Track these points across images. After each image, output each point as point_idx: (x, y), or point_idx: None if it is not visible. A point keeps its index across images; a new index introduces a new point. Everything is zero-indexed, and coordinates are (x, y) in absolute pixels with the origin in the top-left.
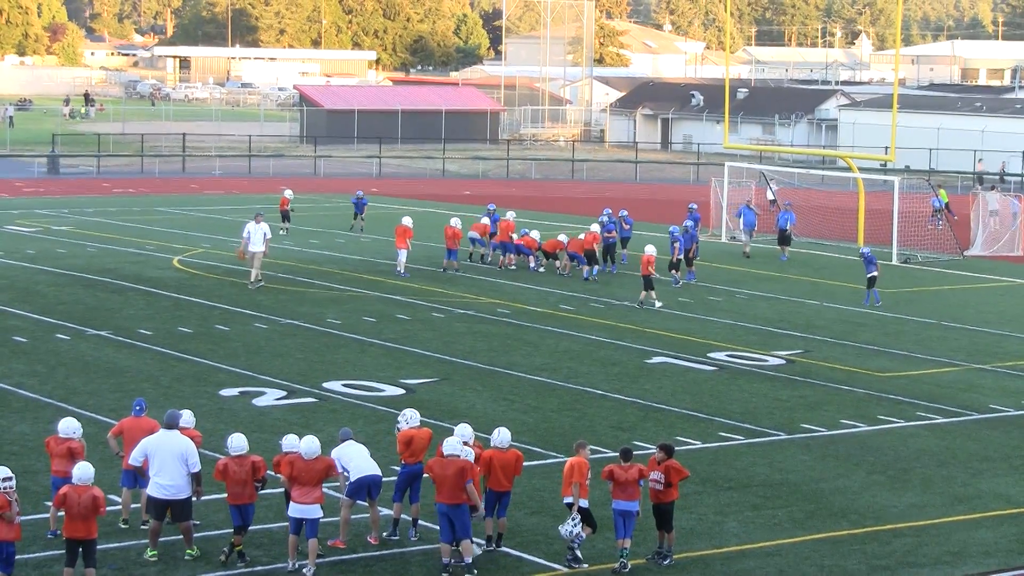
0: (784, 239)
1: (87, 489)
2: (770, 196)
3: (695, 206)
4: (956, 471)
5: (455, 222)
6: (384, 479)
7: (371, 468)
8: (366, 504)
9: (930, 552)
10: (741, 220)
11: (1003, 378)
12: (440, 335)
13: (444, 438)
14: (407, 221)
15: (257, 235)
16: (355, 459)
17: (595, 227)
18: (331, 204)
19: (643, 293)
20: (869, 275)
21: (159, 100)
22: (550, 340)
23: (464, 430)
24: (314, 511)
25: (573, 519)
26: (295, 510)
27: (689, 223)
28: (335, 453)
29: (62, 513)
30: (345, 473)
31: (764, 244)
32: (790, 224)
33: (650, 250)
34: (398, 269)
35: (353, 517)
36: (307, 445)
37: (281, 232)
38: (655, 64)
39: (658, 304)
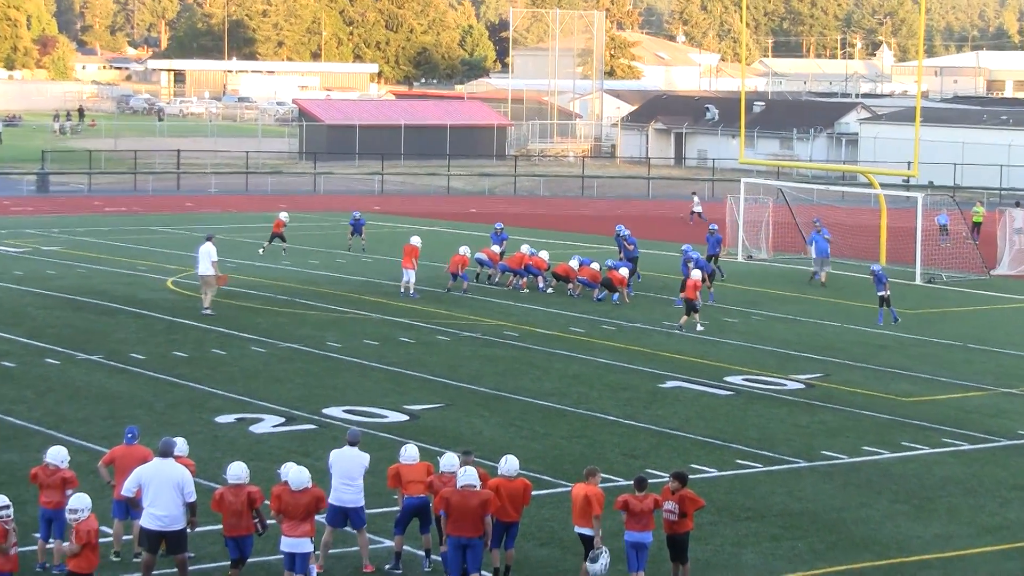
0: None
1: (88, 520)
2: (697, 209)
3: (716, 227)
4: (984, 500)
5: (464, 250)
6: (380, 510)
7: (347, 494)
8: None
9: None
10: (813, 248)
11: None
12: (445, 359)
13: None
14: (415, 240)
15: (202, 257)
16: (336, 476)
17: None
18: (331, 223)
19: (684, 317)
20: (879, 294)
21: (152, 114)
22: (559, 364)
23: (451, 459)
24: (303, 545)
25: (602, 552)
26: (285, 544)
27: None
28: (332, 457)
29: (51, 544)
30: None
31: (788, 264)
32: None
33: (696, 275)
34: (402, 290)
35: (350, 549)
36: (295, 477)
37: (283, 253)
38: (668, 77)
39: (700, 328)
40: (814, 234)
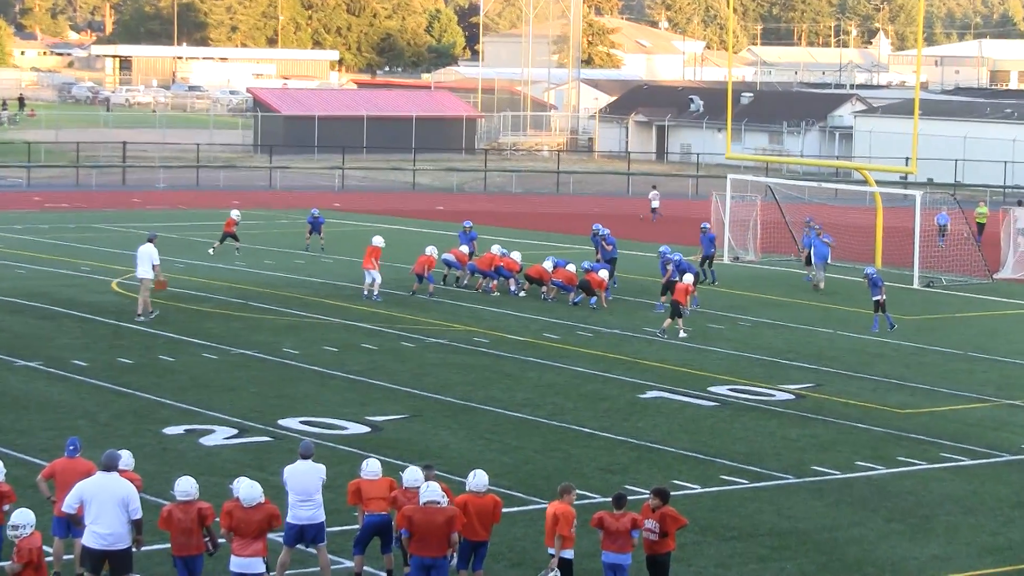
0: (811, 259)
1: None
2: (655, 204)
3: (708, 225)
4: (984, 519)
5: (430, 251)
6: (339, 528)
7: (305, 511)
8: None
9: None
10: (812, 252)
11: None
12: (410, 366)
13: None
14: (378, 240)
15: (142, 259)
16: (293, 493)
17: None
18: (288, 221)
19: (668, 321)
20: (874, 299)
21: (96, 104)
22: (532, 372)
23: (415, 474)
24: (255, 565)
25: (552, 570)
26: (236, 564)
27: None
28: (285, 473)
29: None
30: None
31: (777, 266)
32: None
33: (688, 279)
34: (364, 292)
35: (309, 570)
36: (247, 492)
37: (236, 253)
38: (650, 65)
39: (682, 334)
40: (814, 238)
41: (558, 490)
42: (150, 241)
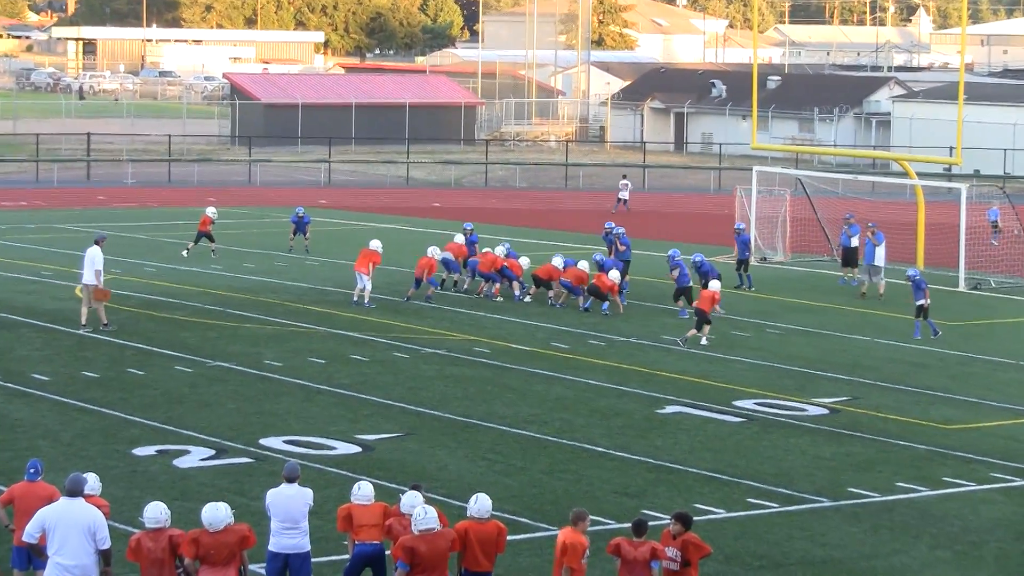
0: (849, 259)
1: None
2: (623, 196)
3: (743, 226)
4: None
5: (432, 252)
6: (327, 558)
7: (290, 539)
8: None
9: None
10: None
11: None
12: (404, 380)
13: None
14: (375, 245)
15: (87, 263)
16: (276, 519)
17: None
18: (270, 220)
19: (692, 331)
20: (917, 303)
21: (57, 91)
22: (539, 385)
23: (414, 499)
24: None
25: None
26: None
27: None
28: (268, 497)
29: None
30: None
31: (809, 267)
32: (855, 239)
33: (715, 285)
34: (354, 298)
35: None
36: (210, 515)
37: (212, 255)
38: (667, 47)
39: (704, 341)
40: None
41: (570, 517)
42: (97, 243)
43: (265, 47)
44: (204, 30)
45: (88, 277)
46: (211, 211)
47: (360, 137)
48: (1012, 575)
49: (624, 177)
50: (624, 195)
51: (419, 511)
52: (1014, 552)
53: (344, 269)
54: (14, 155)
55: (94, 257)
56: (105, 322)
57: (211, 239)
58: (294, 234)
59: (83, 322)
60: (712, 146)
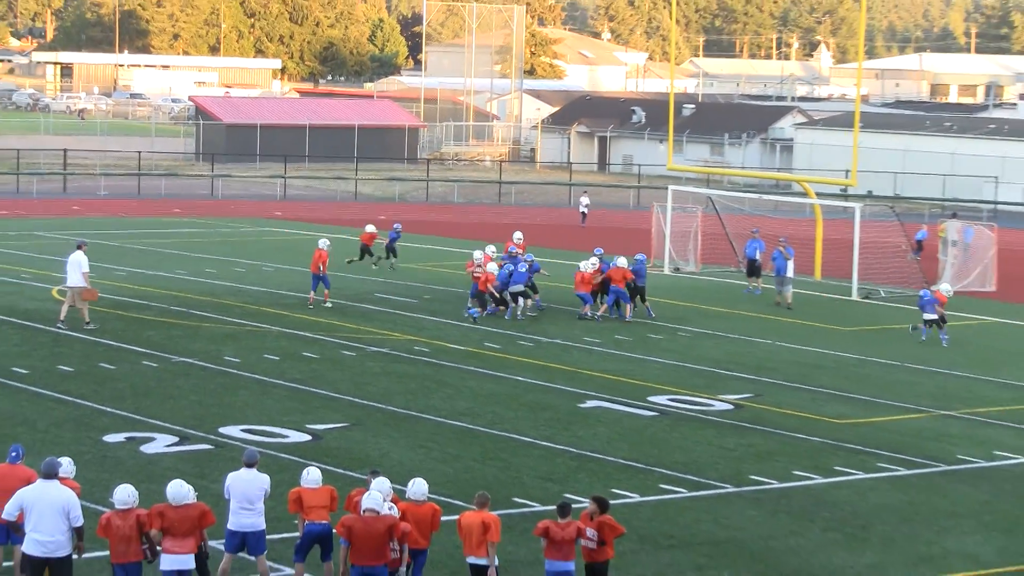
0: (754, 270)
1: None
2: (583, 210)
3: (757, 230)
4: (920, 528)
5: (323, 243)
6: (279, 536)
7: (247, 518)
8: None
9: None
10: (773, 266)
11: (973, 426)
12: (351, 375)
13: (351, 489)
14: (323, 243)
15: (72, 266)
16: (235, 500)
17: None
18: (229, 229)
19: (603, 307)
20: (926, 317)
21: (36, 111)
22: (473, 382)
23: (382, 485)
24: (187, 562)
25: None
26: (168, 562)
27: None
28: (228, 480)
29: None
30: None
31: (718, 277)
32: (760, 253)
33: (621, 262)
34: (309, 304)
35: None
36: (173, 491)
37: (373, 267)
38: (592, 76)
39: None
40: (776, 251)
41: (477, 501)
42: (79, 248)
43: (227, 72)
44: (172, 56)
45: (74, 280)
46: (371, 228)
47: (313, 155)
48: (895, 555)
49: (584, 193)
50: (583, 209)
51: (367, 495)
52: (897, 535)
53: (297, 275)
54: None
55: (80, 261)
56: (87, 321)
57: (370, 254)
58: (388, 251)
59: (61, 318)
60: (632, 167)
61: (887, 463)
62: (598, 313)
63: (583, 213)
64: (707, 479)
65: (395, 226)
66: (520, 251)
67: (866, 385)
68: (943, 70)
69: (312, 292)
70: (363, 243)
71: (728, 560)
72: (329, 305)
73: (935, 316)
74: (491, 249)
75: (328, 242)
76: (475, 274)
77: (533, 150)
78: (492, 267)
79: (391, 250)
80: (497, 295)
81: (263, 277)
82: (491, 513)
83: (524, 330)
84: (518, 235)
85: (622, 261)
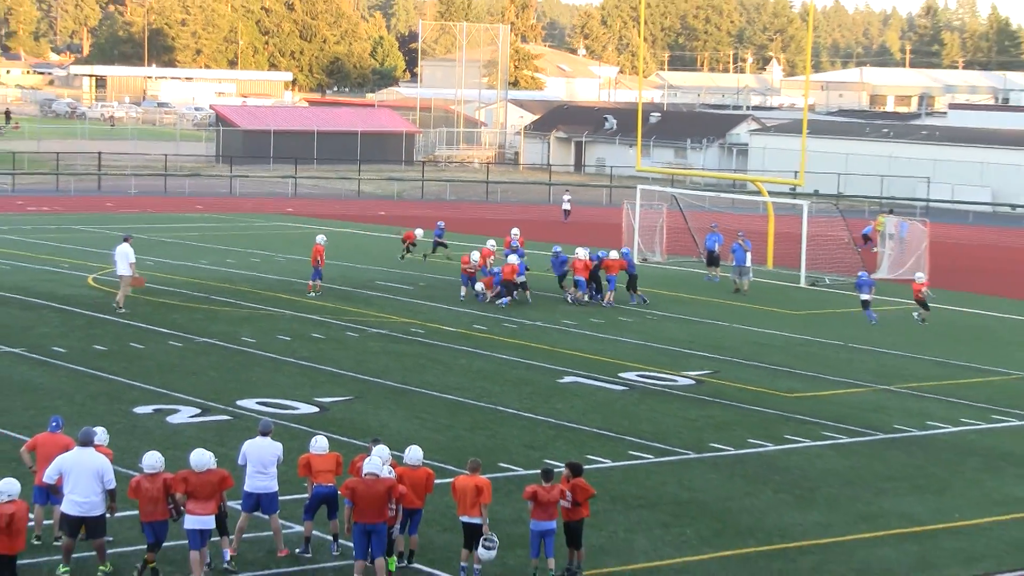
0: (713, 260)
1: (15, 504)
2: (566, 207)
3: (742, 233)
4: (861, 490)
5: (320, 239)
6: (290, 497)
7: (261, 481)
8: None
9: (834, 569)
10: (733, 257)
11: (907, 399)
12: (354, 354)
13: (355, 456)
14: (320, 239)
15: (120, 257)
16: (251, 464)
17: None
18: (245, 223)
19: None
20: (862, 297)
21: (74, 118)
22: (463, 360)
23: (382, 451)
24: (208, 522)
25: (494, 537)
26: (191, 522)
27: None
28: (245, 446)
29: None
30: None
31: (681, 267)
32: (718, 245)
33: (580, 252)
34: (310, 292)
35: (263, 534)
36: (196, 458)
37: (423, 259)
38: (569, 88)
39: (573, 300)
40: (735, 243)
41: (470, 466)
42: (125, 241)
43: (244, 84)
44: (194, 69)
45: (123, 269)
46: (419, 231)
47: (321, 158)
48: (839, 513)
49: (567, 191)
50: (567, 207)
51: (368, 460)
52: (841, 496)
53: (307, 265)
54: (38, 169)
55: (127, 252)
56: (121, 306)
57: (408, 250)
58: (434, 248)
59: (119, 305)
60: (604, 168)
61: (832, 432)
62: (577, 298)
63: (566, 210)
64: (671, 446)
65: (439, 224)
66: (519, 245)
67: (813, 363)
68: (881, 82)
69: (311, 281)
70: (407, 240)
71: (690, 518)
72: (312, 295)
73: (869, 297)
74: (491, 243)
75: (324, 238)
76: (468, 269)
77: (517, 153)
78: (513, 258)
79: (440, 244)
80: (516, 284)
81: (276, 266)
82: (483, 477)
83: (509, 313)
84: (515, 231)
85: (614, 254)
